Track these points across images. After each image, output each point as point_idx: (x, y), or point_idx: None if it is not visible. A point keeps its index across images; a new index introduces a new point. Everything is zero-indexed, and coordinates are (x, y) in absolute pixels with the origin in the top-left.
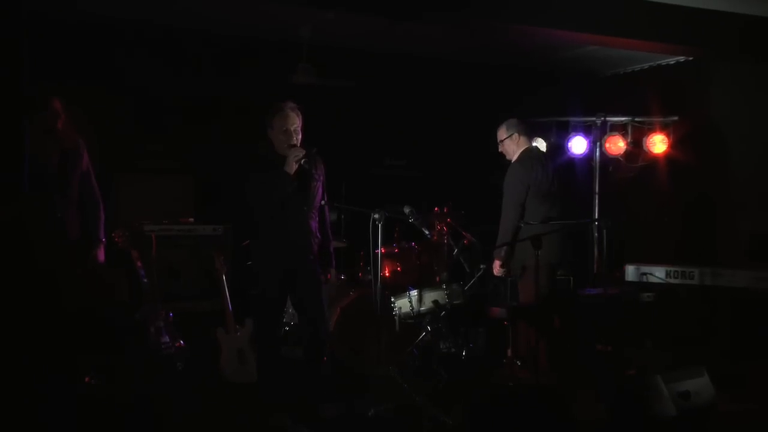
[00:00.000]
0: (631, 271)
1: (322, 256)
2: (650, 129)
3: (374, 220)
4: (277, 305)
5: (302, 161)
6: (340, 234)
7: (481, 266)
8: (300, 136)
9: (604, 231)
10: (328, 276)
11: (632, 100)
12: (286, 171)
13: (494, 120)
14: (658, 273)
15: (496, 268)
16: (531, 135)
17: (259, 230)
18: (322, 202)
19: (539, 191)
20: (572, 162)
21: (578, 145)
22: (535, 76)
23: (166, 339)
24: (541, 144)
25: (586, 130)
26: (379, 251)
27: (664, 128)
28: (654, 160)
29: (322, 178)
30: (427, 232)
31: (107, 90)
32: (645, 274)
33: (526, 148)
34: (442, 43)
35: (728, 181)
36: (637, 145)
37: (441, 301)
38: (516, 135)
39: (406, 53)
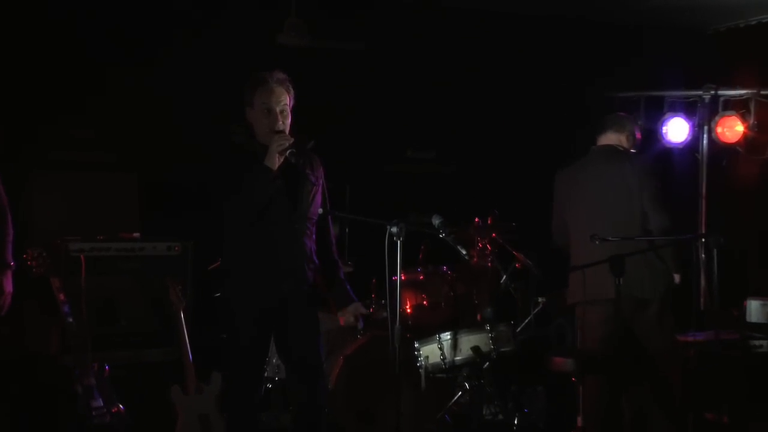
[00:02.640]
0: (755, 309)
1: (331, 288)
2: None
3: (391, 235)
4: (257, 354)
5: (288, 153)
6: (343, 254)
7: (539, 299)
8: (289, 120)
9: (715, 251)
10: (354, 314)
11: (757, 65)
12: (266, 165)
13: (557, 95)
14: None
15: None
16: (601, 129)
17: (233, 249)
18: (320, 212)
19: (589, 198)
20: (668, 153)
21: (677, 129)
22: (614, 34)
23: (100, 402)
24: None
25: (688, 108)
26: (398, 278)
27: None
28: None
29: (320, 180)
30: (464, 252)
31: (8, 49)
32: None
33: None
34: None
35: None
36: (763, 130)
37: (483, 348)
38: None
39: (435, 2)
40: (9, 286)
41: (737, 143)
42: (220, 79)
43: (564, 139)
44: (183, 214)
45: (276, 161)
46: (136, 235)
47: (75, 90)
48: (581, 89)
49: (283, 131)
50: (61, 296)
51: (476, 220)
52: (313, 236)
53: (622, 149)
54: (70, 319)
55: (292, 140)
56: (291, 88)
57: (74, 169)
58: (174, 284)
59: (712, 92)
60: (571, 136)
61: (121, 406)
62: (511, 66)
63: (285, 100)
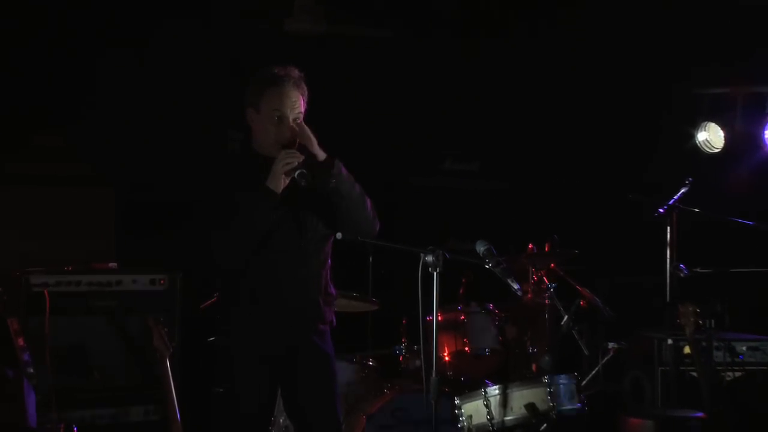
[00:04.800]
0: None
1: None
2: None
3: (426, 265)
4: (260, 412)
5: (297, 174)
6: (366, 289)
7: (610, 346)
8: None
9: None
10: None
11: None
12: (268, 187)
13: (630, 93)
14: None
15: None
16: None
17: (230, 285)
18: (338, 236)
19: None
20: None
21: None
22: (700, 16)
23: None
24: (714, 132)
25: None
26: (435, 318)
27: None
28: None
29: None
30: (515, 287)
31: None
32: None
33: None
34: None
35: None
36: None
37: (540, 406)
38: None
39: None
40: None
41: None
42: (216, 74)
43: (640, 147)
44: (170, 239)
45: (281, 183)
46: (113, 265)
47: (39, 88)
48: (664, 85)
49: (290, 146)
50: (20, 341)
51: (530, 246)
52: (329, 263)
53: None
54: (31, 370)
55: (302, 158)
56: (306, 90)
57: (37, 183)
58: (158, 326)
59: None
60: (652, 143)
61: None
62: (573, 57)
63: (300, 106)
